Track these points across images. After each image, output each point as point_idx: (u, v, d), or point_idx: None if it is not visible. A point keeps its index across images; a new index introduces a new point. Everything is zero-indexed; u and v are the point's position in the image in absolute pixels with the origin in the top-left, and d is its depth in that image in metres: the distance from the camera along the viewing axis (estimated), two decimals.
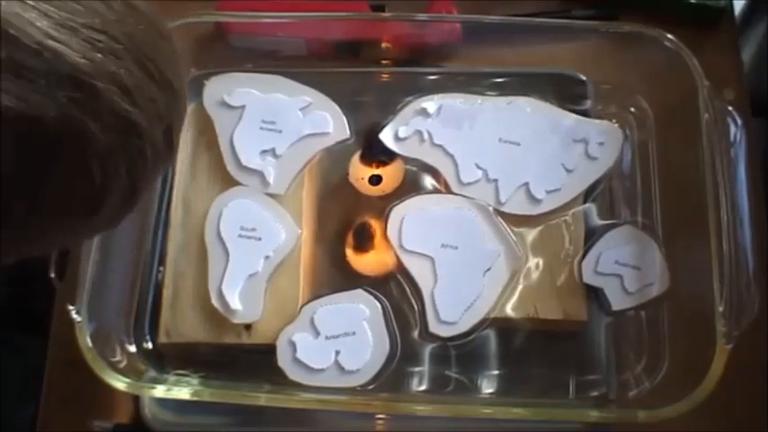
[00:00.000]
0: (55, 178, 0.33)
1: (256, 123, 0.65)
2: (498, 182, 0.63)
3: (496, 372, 0.61)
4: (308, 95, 0.66)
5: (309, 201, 0.66)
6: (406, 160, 0.66)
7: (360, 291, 0.61)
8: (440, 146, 0.65)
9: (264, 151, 0.65)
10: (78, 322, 0.56)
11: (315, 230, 0.66)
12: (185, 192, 0.65)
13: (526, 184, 0.63)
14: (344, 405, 0.58)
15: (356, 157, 0.66)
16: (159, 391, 0.56)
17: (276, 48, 0.70)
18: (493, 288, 0.61)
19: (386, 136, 0.65)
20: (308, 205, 0.65)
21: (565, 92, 0.68)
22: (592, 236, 0.63)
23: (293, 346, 0.59)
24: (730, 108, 0.60)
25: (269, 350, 0.60)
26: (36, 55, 0.30)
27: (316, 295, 0.62)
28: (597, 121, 0.66)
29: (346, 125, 0.66)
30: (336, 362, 0.59)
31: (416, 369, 0.61)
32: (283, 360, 0.59)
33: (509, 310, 0.61)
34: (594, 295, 0.62)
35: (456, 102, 0.66)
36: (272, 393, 0.57)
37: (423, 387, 0.61)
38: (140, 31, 0.35)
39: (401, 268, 0.62)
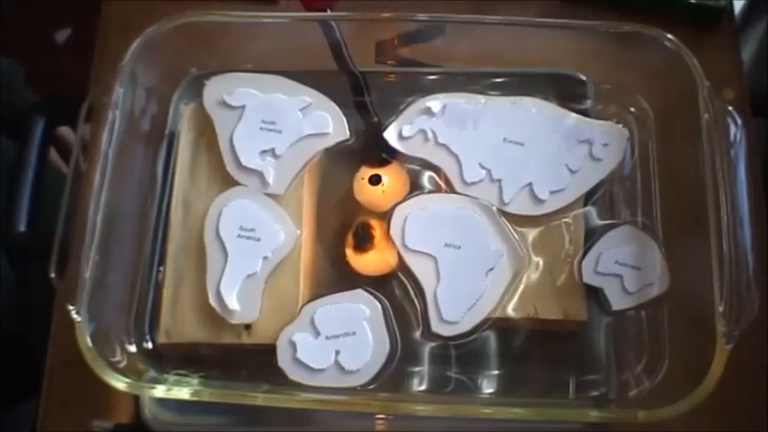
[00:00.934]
0: None
1: (256, 123, 0.65)
2: (502, 182, 0.63)
3: (496, 372, 0.62)
4: (308, 96, 0.66)
5: (309, 201, 0.66)
6: (407, 160, 0.66)
7: (360, 291, 0.61)
8: (444, 145, 0.65)
9: (264, 151, 0.65)
10: (78, 322, 0.56)
11: (315, 230, 0.66)
12: (185, 192, 0.65)
13: (530, 184, 0.63)
14: (344, 405, 0.58)
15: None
16: (159, 391, 0.56)
17: None
18: (495, 288, 0.61)
19: (390, 135, 0.65)
20: (308, 205, 0.66)
21: (565, 92, 0.68)
22: (592, 236, 0.63)
23: (293, 346, 0.59)
24: (730, 108, 0.60)
25: (269, 350, 0.60)
26: None
27: (316, 295, 0.62)
28: (602, 122, 0.66)
29: (346, 126, 0.66)
30: (336, 362, 0.59)
31: (416, 369, 0.61)
32: (283, 360, 0.59)
33: (509, 310, 0.61)
34: (594, 295, 0.62)
35: (460, 101, 0.66)
36: (272, 393, 0.57)
37: (423, 387, 0.61)
38: None
39: (404, 267, 0.62)
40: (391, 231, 0.62)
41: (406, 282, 0.62)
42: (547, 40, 0.69)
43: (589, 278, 0.62)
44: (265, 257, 0.62)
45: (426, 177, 0.66)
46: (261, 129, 0.65)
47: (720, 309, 0.54)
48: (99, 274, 0.58)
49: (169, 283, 0.63)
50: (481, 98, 0.66)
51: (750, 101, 0.73)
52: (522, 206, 0.63)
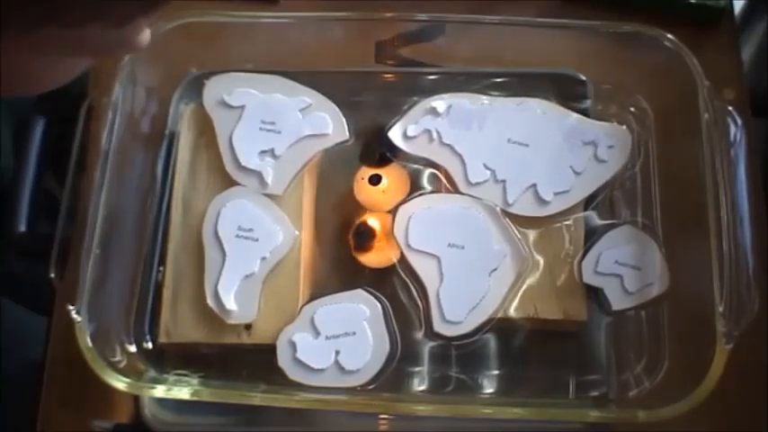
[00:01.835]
0: None
1: (256, 124, 0.65)
2: (506, 182, 0.63)
3: (496, 372, 0.62)
4: (308, 96, 0.66)
5: (309, 201, 0.66)
6: (407, 159, 0.66)
7: (360, 291, 0.61)
8: (448, 145, 0.65)
9: (263, 152, 0.65)
10: (78, 322, 0.56)
11: (315, 230, 0.66)
12: (185, 192, 0.65)
13: (534, 185, 0.63)
14: (344, 405, 0.58)
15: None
16: (159, 391, 0.56)
17: None
18: (498, 289, 0.61)
19: (395, 134, 0.65)
20: (308, 205, 0.66)
21: (565, 92, 0.68)
22: (592, 236, 0.63)
23: (293, 346, 0.59)
24: (730, 108, 0.60)
25: (269, 350, 0.60)
26: None
27: (316, 295, 0.62)
28: (607, 124, 0.66)
29: (345, 126, 0.66)
30: (336, 362, 0.59)
31: (416, 369, 0.61)
32: (283, 360, 0.59)
33: (510, 311, 0.61)
34: (594, 295, 0.62)
35: (466, 102, 0.66)
36: (272, 393, 0.57)
37: (423, 387, 0.61)
38: None
39: (407, 267, 0.62)
40: (395, 231, 0.62)
41: (408, 281, 0.62)
42: (547, 40, 0.69)
43: (589, 278, 0.62)
44: (263, 258, 0.62)
45: (426, 177, 0.66)
46: (260, 129, 0.65)
47: (720, 309, 0.55)
48: (99, 275, 0.58)
49: (169, 283, 0.63)
50: (486, 99, 0.66)
51: (750, 101, 0.73)
52: (526, 207, 0.63)
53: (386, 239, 0.64)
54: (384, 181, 0.66)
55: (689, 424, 0.53)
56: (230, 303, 0.61)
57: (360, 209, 0.66)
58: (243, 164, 0.64)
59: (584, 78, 0.69)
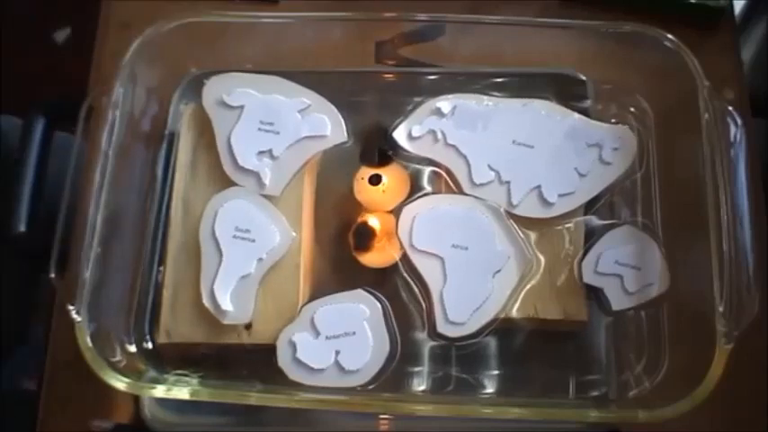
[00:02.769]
0: None
1: (254, 124, 0.65)
2: (511, 184, 0.63)
3: (497, 372, 0.62)
4: (307, 97, 0.66)
5: (309, 201, 0.66)
6: (408, 159, 0.66)
7: (360, 291, 0.61)
8: (453, 146, 0.65)
9: (261, 152, 0.65)
10: (78, 322, 0.56)
11: (315, 230, 0.66)
12: (185, 192, 0.65)
13: (538, 187, 0.63)
14: (344, 405, 0.58)
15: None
16: (159, 391, 0.56)
17: None
18: (502, 290, 0.61)
19: (399, 135, 0.65)
20: (308, 205, 0.65)
21: (565, 92, 0.68)
22: (592, 236, 0.63)
23: (293, 346, 0.59)
24: (730, 108, 0.60)
25: (269, 350, 0.60)
26: None
27: (316, 295, 0.62)
28: (612, 125, 0.66)
29: (344, 128, 0.66)
30: (336, 362, 0.59)
31: (416, 369, 0.61)
32: (283, 360, 0.59)
33: (510, 311, 0.61)
34: (594, 295, 0.62)
35: (470, 103, 0.66)
36: (272, 393, 0.57)
37: (423, 387, 0.61)
38: None
39: (410, 267, 0.62)
40: (399, 231, 0.62)
41: (410, 281, 0.62)
42: (547, 40, 0.69)
43: (589, 278, 0.62)
44: (260, 259, 0.62)
45: (427, 177, 0.66)
46: (259, 129, 0.65)
47: (720, 309, 0.54)
48: (99, 274, 0.58)
49: (169, 283, 0.63)
50: (491, 100, 0.66)
51: (750, 101, 0.74)
52: (530, 209, 0.63)
53: (386, 239, 0.64)
54: (384, 181, 0.66)
55: (689, 424, 0.53)
56: (226, 304, 0.61)
57: (360, 209, 0.66)
58: (241, 164, 0.64)
59: (584, 78, 0.69)
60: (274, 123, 0.65)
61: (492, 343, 0.62)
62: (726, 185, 0.57)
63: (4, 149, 0.89)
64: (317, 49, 0.69)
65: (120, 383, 0.55)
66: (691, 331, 0.59)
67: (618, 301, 0.61)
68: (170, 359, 0.62)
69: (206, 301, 0.61)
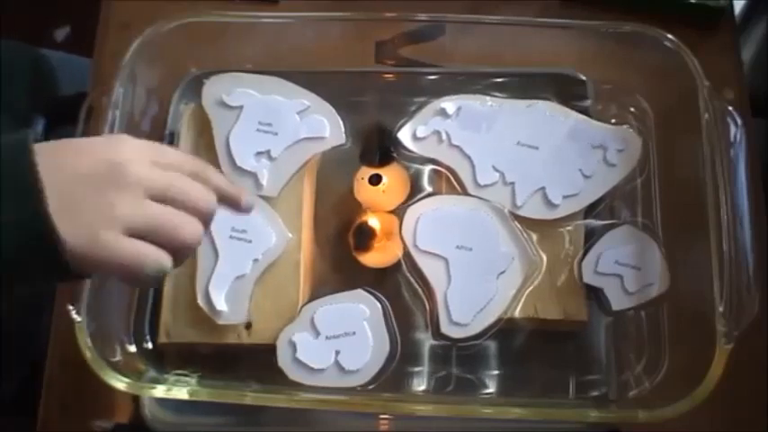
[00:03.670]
0: None
1: (253, 125, 0.65)
2: (515, 185, 0.63)
3: (497, 372, 0.62)
4: (307, 99, 0.66)
5: (309, 201, 0.66)
6: (410, 160, 0.66)
7: (360, 291, 0.61)
8: (458, 147, 0.65)
9: (260, 153, 0.65)
10: (78, 322, 0.56)
11: (315, 230, 0.66)
12: None
13: (543, 188, 0.63)
14: (344, 405, 0.58)
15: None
16: (159, 391, 0.56)
17: None
18: (506, 291, 0.61)
19: (404, 135, 0.65)
20: (308, 205, 0.65)
21: (565, 92, 0.68)
22: (592, 236, 0.63)
23: (293, 346, 0.59)
24: (730, 108, 0.60)
25: (269, 350, 0.60)
26: None
27: (316, 295, 0.62)
28: (616, 127, 0.66)
29: (342, 130, 0.66)
30: (336, 362, 0.59)
31: (416, 369, 0.61)
32: (283, 360, 0.59)
33: (511, 312, 0.61)
34: (594, 295, 0.62)
35: (475, 104, 0.66)
36: (272, 393, 0.57)
37: (423, 387, 0.61)
38: None
39: (414, 268, 0.62)
40: (403, 231, 0.62)
41: (412, 281, 0.62)
42: (547, 40, 0.69)
43: (589, 278, 0.62)
44: (256, 260, 0.62)
45: (427, 177, 0.66)
46: (257, 130, 0.65)
47: (720, 309, 0.54)
48: (99, 275, 0.58)
49: (169, 283, 0.63)
50: (496, 101, 0.66)
51: (750, 101, 0.73)
52: (534, 210, 0.63)
53: (386, 239, 0.64)
54: (384, 181, 0.66)
55: (689, 424, 0.53)
56: (221, 304, 0.61)
57: (360, 209, 0.66)
58: (239, 164, 0.64)
59: (584, 78, 0.69)
60: (273, 124, 0.65)
61: (492, 343, 0.62)
62: (726, 185, 0.57)
63: None
64: (317, 49, 0.69)
65: (120, 383, 0.55)
66: (691, 331, 0.59)
67: (618, 301, 0.61)
68: (170, 359, 0.62)
69: (201, 301, 0.61)
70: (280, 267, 0.63)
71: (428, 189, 0.65)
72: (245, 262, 0.62)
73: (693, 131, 0.60)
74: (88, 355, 0.55)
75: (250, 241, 0.62)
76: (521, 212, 0.63)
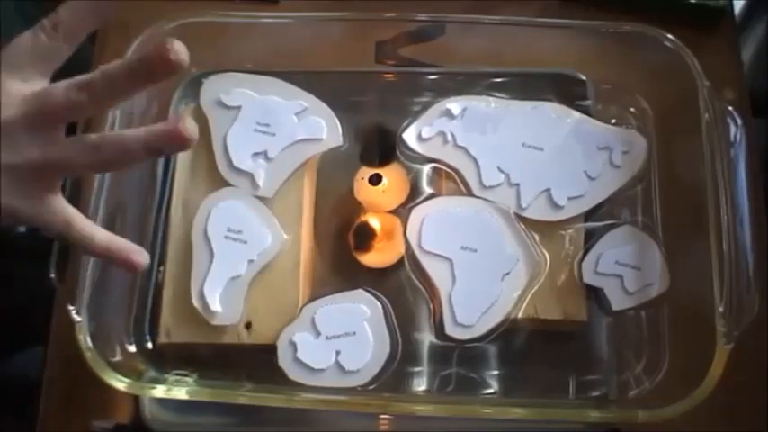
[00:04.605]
0: None
1: (251, 125, 0.65)
2: (520, 186, 0.63)
3: (497, 372, 0.62)
4: (305, 100, 0.66)
5: (309, 200, 0.66)
6: (411, 160, 0.66)
7: (360, 291, 0.61)
8: (463, 148, 0.65)
9: (256, 153, 0.65)
10: (78, 322, 0.56)
11: (315, 230, 0.66)
12: (185, 192, 0.65)
13: (548, 189, 0.63)
14: (344, 405, 0.58)
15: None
16: (159, 391, 0.56)
17: None
18: (510, 292, 0.61)
19: (409, 136, 0.65)
20: (308, 205, 0.65)
21: (565, 92, 0.68)
22: (592, 236, 0.63)
23: (294, 346, 0.59)
24: (730, 108, 0.60)
25: (269, 350, 0.60)
26: None
27: (316, 295, 0.62)
28: (622, 129, 0.66)
29: (340, 132, 0.66)
30: (337, 362, 0.59)
31: (417, 369, 0.61)
32: (284, 360, 0.59)
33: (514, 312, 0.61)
34: (594, 295, 0.62)
35: (480, 105, 0.66)
36: (272, 393, 0.57)
37: (423, 387, 0.61)
38: None
39: (418, 268, 0.62)
40: (407, 232, 0.62)
41: (415, 282, 0.62)
42: (547, 40, 0.69)
43: (589, 278, 0.62)
44: (251, 260, 0.62)
45: (427, 177, 0.66)
46: (255, 131, 0.65)
47: (720, 309, 0.54)
48: (99, 275, 0.58)
49: (169, 283, 0.63)
50: (501, 102, 0.66)
51: (750, 101, 0.73)
52: (539, 211, 0.63)
53: (386, 239, 0.64)
54: (384, 181, 0.66)
55: (689, 424, 0.53)
56: (215, 304, 0.61)
57: (360, 209, 0.66)
58: (235, 164, 0.64)
59: (584, 78, 0.69)
60: (270, 125, 0.65)
61: (492, 344, 0.62)
62: (726, 185, 0.57)
63: None
64: (317, 49, 0.69)
65: (120, 383, 0.55)
66: (691, 331, 0.59)
67: (618, 301, 0.61)
68: (170, 359, 0.62)
69: (195, 302, 0.61)
70: (279, 267, 0.63)
71: (428, 189, 0.65)
72: (241, 262, 0.62)
73: (693, 131, 0.60)
74: (88, 354, 0.55)
75: (245, 242, 0.62)
76: (526, 214, 0.63)
